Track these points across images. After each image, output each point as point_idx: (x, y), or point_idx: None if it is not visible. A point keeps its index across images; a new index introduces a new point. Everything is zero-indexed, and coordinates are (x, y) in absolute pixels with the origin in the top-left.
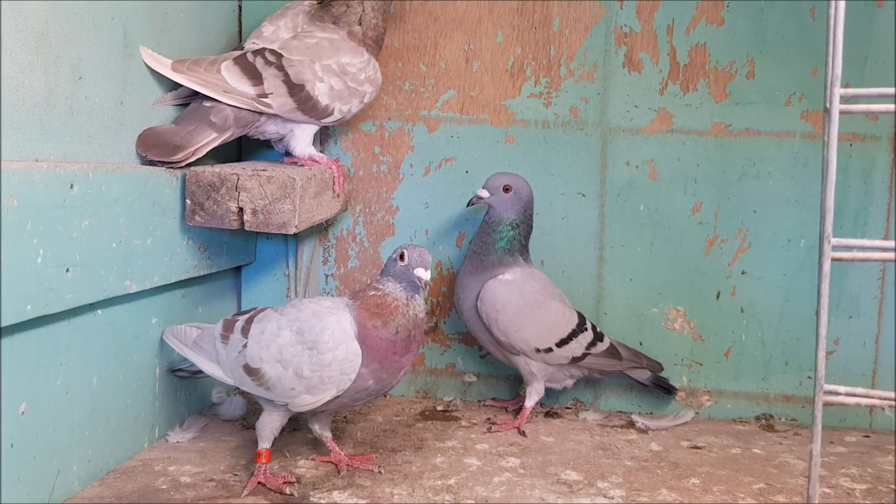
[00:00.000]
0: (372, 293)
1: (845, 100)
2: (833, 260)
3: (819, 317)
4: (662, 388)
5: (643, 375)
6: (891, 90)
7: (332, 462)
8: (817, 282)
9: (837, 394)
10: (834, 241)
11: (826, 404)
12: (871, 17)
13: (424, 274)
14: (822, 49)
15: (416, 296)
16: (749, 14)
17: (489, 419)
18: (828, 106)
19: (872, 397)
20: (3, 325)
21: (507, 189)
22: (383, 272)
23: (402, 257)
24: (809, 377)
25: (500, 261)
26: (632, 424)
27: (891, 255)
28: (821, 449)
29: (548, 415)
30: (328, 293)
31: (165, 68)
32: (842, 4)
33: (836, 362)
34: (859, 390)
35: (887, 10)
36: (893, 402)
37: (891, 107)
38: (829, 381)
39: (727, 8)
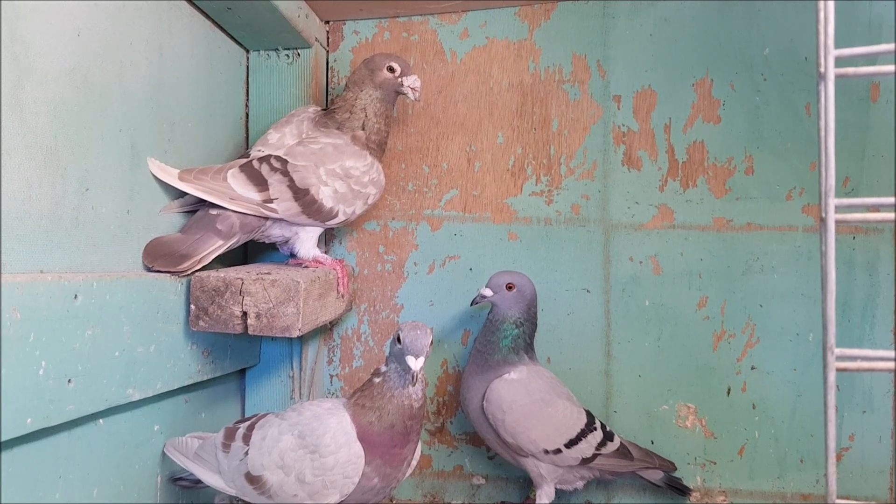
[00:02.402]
0: (370, 382)
1: (841, 209)
2: (838, 370)
3: (827, 429)
4: (676, 489)
5: (656, 476)
6: (887, 199)
7: None
8: (823, 391)
9: None
10: (838, 351)
11: None
12: (867, 111)
13: (414, 364)
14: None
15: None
16: (745, 111)
17: None
18: (823, 216)
19: None
20: (3, 439)
21: (510, 287)
22: (389, 352)
23: (399, 340)
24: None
25: (505, 359)
26: None
27: (893, 364)
28: None
29: None
30: (333, 393)
31: (173, 178)
32: (832, 116)
33: (851, 459)
34: None
35: (881, 104)
36: None
37: (889, 216)
38: (846, 480)
39: (723, 106)
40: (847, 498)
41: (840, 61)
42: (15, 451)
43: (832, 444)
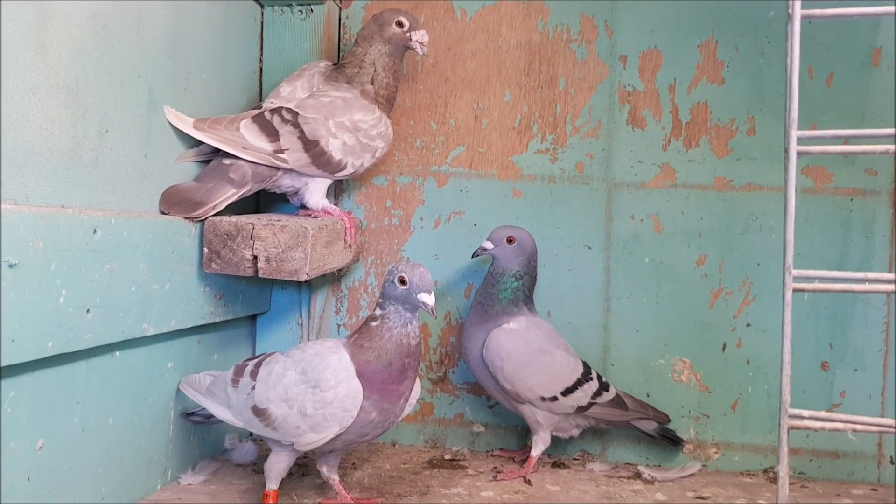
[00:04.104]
0: (367, 325)
1: (802, 141)
2: (795, 290)
3: (783, 344)
4: (669, 440)
5: (650, 426)
6: (844, 132)
7: None
8: (781, 309)
9: (802, 418)
10: (795, 272)
11: (792, 428)
12: (868, 76)
13: (430, 299)
14: (820, 106)
15: (413, 321)
16: (748, 73)
17: (496, 468)
18: (786, 147)
19: (835, 420)
20: (25, 360)
21: (510, 241)
22: (384, 295)
23: (402, 281)
24: (852, 438)
25: (504, 310)
26: (638, 475)
27: (849, 286)
28: (827, 501)
29: (555, 465)
30: None
31: (188, 126)
32: (797, 53)
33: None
34: (822, 414)
35: (882, 70)
36: (854, 427)
37: (843, 147)
38: (835, 435)
39: (727, 68)
40: (800, 408)
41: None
42: (37, 373)
43: (787, 357)
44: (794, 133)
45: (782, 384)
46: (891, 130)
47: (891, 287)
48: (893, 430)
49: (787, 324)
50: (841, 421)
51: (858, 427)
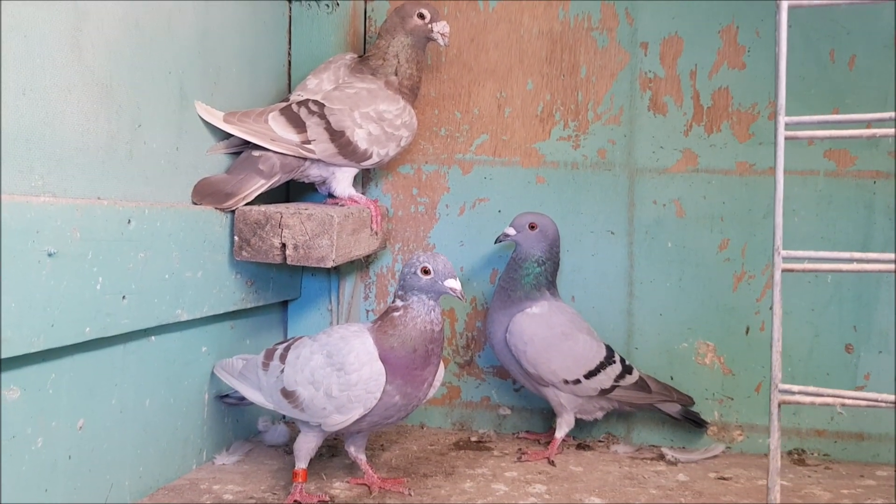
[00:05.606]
0: (389, 316)
1: (790, 126)
2: (783, 270)
3: (773, 324)
4: (693, 422)
5: (673, 409)
6: (830, 117)
7: (365, 484)
8: (772, 290)
9: (792, 393)
10: (784, 253)
11: (782, 403)
12: (891, 59)
13: (457, 284)
14: (842, 90)
15: (436, 308)
16: (769, 58)
17: (520, 449)
18: (775, 132)
19: (824, 395)
20: (65, 344)
21: (532, 227)
22: (404, 287)
23: (425, 271)
24: (841, 412)
25: (527, 295)
26: (662, 457)
27: (838, 266)
28: (850, 482)
29: (579, 447)
30: None
31: (218, 120)
32: (783, 40)
33: None
34: (811, 389)
35: None
36: (844, 401)
37: (832, 132)
38: (859, 416)
39: (748, 53)
40: (790, 384)
41: None
42: (76, 357)
43: (777, 335)
44: (782, 119)
45: (773, 360)
46: (875, 115)
47: (880, 266)
48: (881, 403)
49: (777, 303)
50: (830, 395)
51: (848, 401)
